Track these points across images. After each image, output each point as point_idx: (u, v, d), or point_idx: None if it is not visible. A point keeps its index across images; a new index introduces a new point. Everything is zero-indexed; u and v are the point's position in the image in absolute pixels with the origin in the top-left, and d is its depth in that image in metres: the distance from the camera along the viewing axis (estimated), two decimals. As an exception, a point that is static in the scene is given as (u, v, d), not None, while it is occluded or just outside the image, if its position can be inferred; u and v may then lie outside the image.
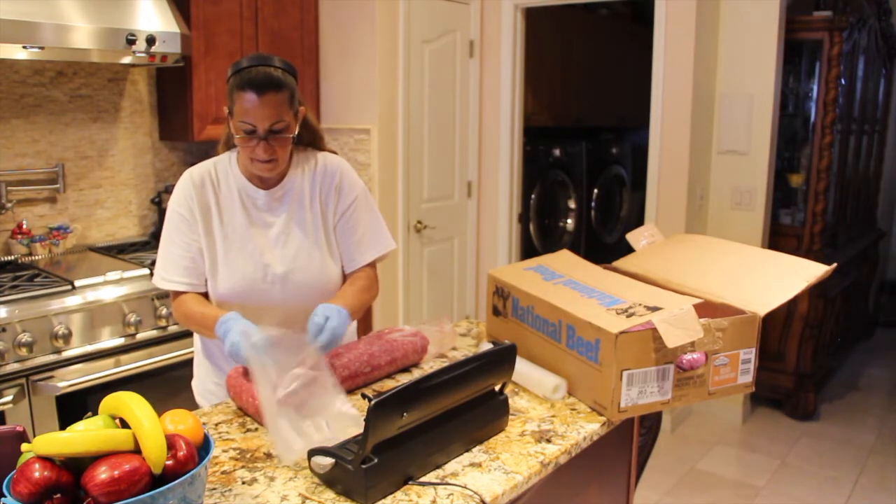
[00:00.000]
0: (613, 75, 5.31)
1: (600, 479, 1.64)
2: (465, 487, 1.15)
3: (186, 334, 2.53)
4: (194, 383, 1.80)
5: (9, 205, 2.70)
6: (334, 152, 1.76)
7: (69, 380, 2.28)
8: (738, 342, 1.47)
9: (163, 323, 2.51)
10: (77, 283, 2.37)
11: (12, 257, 2.69)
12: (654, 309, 1.40)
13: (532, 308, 1.62)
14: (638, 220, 5.12)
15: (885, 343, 5.16)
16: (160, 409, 1.02)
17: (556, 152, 4.70)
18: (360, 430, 1.09)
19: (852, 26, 3.79)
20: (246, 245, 1.63)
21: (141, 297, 2.46)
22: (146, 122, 3.11)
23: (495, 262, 3.92)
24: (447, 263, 3.84)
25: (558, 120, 4.91)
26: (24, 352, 2.18)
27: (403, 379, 1.60)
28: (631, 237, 1.96)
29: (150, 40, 2.49)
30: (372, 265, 1.74)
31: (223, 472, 1.20)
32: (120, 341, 2.42)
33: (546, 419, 1.42)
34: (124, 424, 0.99)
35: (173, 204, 1.63)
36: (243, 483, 1.16)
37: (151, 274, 2.46)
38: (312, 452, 1.16)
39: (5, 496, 0.91)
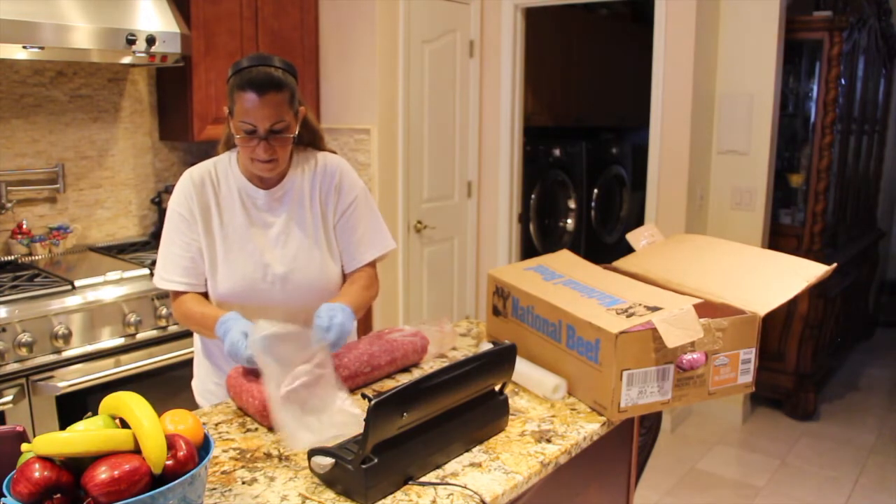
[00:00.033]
0: (613, 75, 5.31)
1: (600, 479, 1.64)
2: (465, 487, 1.15)
3: (186, 334, 2.53)
4: (194, 383, 1.80)
5: (9, 205, 2.70)
6: (334, 152, 1.76)
7: (69, 380, 2.28)
8: (738, 342, 1.47)
9: (163, 323, 2.51)
10: (77, 283, 2.37)
11: (12, 257, 2.69)
12: (654, 309, 1.40)
13: (532, 308, 1.62)
14: (638, 220, 5.12)
15: (885, 343, 5.16)
16: (160, 409, 1.02)
17: (556, 152, 4.70)
18: (361, 429, 1.09)
19: (852, 26, 3.79)
20: (246, 245, 1.63)
21: (141, 297, 2.46)
22: (146, 122, 3.11)
23: (495, 262, 3.92)
24: (447, 263, 3.84)
25: (558, 120, 4.91)
26: (24, 352, 2.18)
27: (403, 379, 1.60)
28: (631, 237, 1.96)
29: (150, 40, 2.49)
30: (372, 265, 1.74)
31: (223, 472, 1.20)
32: (120, 341, 2.42)
33: (546, 419, 1.42)
34: (124, 424, 0.99)
35: (173, 204, 1.63)
36: (243, 483, 1.16)
37: (151, 274, 2.47)
38: (312, 452, 1.16)
39: (5, 496, 0.91)
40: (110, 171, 3.01)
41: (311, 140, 1.72)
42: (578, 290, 1.59)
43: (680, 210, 3.45)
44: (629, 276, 1.69)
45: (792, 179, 3.92)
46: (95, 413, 1.03)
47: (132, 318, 2.42)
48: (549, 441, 1.33)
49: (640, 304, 1.44)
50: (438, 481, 1.17)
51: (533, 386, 1.54)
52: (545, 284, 1.66)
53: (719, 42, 3.58)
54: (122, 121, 3.03)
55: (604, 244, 5.19)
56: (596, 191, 5.10)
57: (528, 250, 4.29)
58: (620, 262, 1.88)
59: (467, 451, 1.28)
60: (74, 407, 2.28)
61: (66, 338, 2.27)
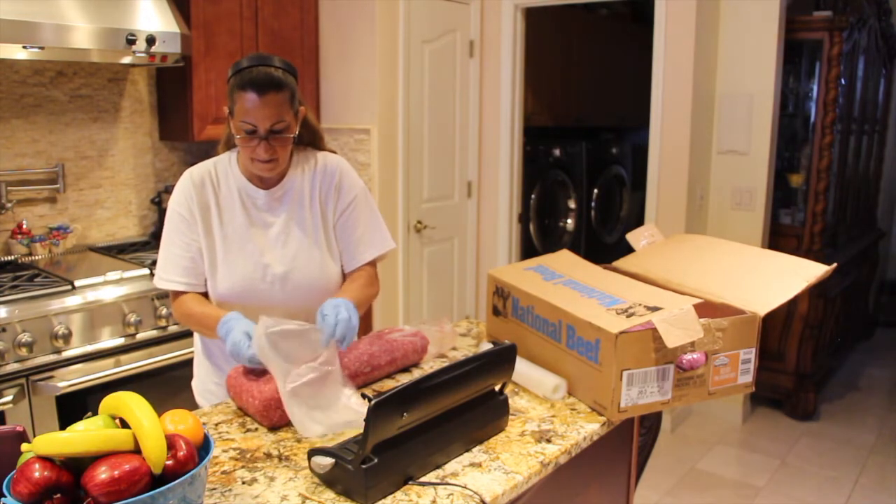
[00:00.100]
0: (613, 75, 5.31)
1: (600, 479, 1.64)
2: (465, 487, 1.15)
3: (186, 334, 2.53)
4: (194, 383, 1.80)
5: (9, 205, 2.70)
6: (334, 152, 1.76)
7: (69, 380, 2.28)
8: (738, 342, 1.47)
9: (163, 323, 2.51)
10: (77, 283, 2.37)
11: (12, 257, 2.69)
12: (654, 309, 1.40)
13: (532, 308, 1.62)
14: (638, 220, 5.12)
15: (885, 343, 5.16)
16: (160, 409, 1.02)
17: (556, 152, 4.70)
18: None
19: (852, 26, 3.79)
20: (245, 245, 1.63)
21: (141, 297, 2.46)
22: (146, 122, 3.11)
23: (495, 262, 3.92)
24: (447, 263, 3.84)
25: (558, 120, 4.91)
26: (24, 352, 2.18)
27: (403, 379, 1.60)
28: (631, 237, 1.96)
29: (150, 40, 2.49)
30: (372, 264, 1.74)
31: (223, 472, 1.20)
32: (120, 341, 2.42)
33: (546, 419, 1.42)
34: (124, 424, 0.99)
35: (173, 204, 1.63)
36: (243, 483, 1.16)
37: (151, 274, 2.47)
38: (312, 452, 1.16)
39: (5, 496, 0.91)
40: (110, 171, 3.01)
41: (311, 140, 1.72)
42: (578, 290, 1.59)
43: (680, 210, 3.45)
44: (629, 276, 1.69)
45: (792, 179, 3.92)
46: (95, 413, 1.03)
47: (132, 318, 2.42)
48: (549, 441, 1.33)
49: (640, 304, 1.44)
50: (438, 481, 1.17)
51: (533, 386, 1.54)
52: (545, 284, 1.66)
53: (719, 42, 3.58)
54: (122, 121, 3.03)
55: (604, 244, 5.19)
56: (596, 191, 5.10)
57: (528, 250, 4.29)
58: (620, 262, 1.88)
59: (467, 451, 1.28)
60: (74, 407, 2.28)
61: (66, 338, 2.27)
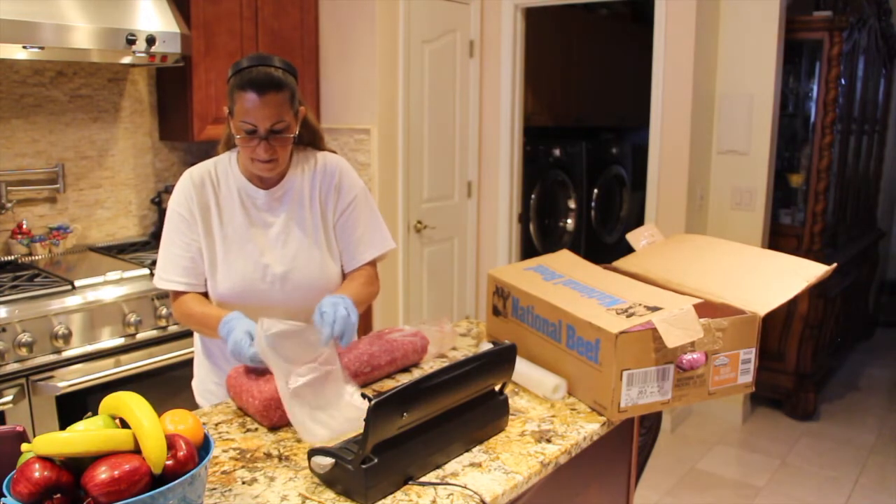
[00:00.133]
0: (613, 75, 5.31)
1: (600, 479, 1.64)
2: (465, 487, 1.15)
3: (186, 334, 2.53)
4: (194, 383, 1.80)
5: (9, 205, 2.70)
6: (334, 152, 1.76)
7: (69, 380, 2.28)
8: (738, 342, 1.47)
9: (163, 323, 2.51)
10: (77, 283, 2.37)
11: (12, 257, 2.69)
12: (654, 309, 1.40)
13: (532, 308, 1.62)
14: (638, 220, 5.12)
15: (885, 343, 5.16)
16: (160, 409, 1.02)
17: (556, 152, 4.70)
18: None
19: (852, 26, 3.79)
20: (245, 245, 1.63)
21: (141, 297, 2.46)
22: (146, 122, 3.11)
23: (495, 262, 3.92)
24: (447, 263, 3.84)
25: (558, 120, 4.91)
26: (24, 352, 2.18)
27: (403, 379, 1.60)
28: (631, 237, 1.96)
29: (150, 40, 2.49)
30: (372, 264, 1.74)
31: (223, 472, 1.20)
32: (120, 341, 2.42)
33: (546, 419, 1.42)
34: (124, 424, 0.99)
35: (173, 204, 1.63)
36: (243, 483, 1.16)
37: (151, 274, 2.47)
38: (312, 452, 1.16)
39: (5, 496, 0.91)
40: (110, 171, 3.01)
41: (311, 140, 1.72)
42: (578, 290, 1.59)
43: (680, 210, 3.45)
44: (629, 276, 1.69)
45: (792, 179, 3.92)
46: (95, 413, 1.03)
47: (132, 318, 2.42)
48: (549, 441, 1.33)
49: (640, 304, 1.44)
50: (438, 481, 1.17)
51: (533, 386, 1.54)
52: (545, 284, 1.66)
53: (719, 42, 3.58)
54: (122, 121, 3.03)
55: (604, 244, 5.19)
56: (596, 191, 5.10)
57: (528, 250, 4.29)
58: (620, 262, 1.88)
59: (467, 451, 1.28)
60: (74, 407, 2.28)
61: (66, 338, 2.27)
